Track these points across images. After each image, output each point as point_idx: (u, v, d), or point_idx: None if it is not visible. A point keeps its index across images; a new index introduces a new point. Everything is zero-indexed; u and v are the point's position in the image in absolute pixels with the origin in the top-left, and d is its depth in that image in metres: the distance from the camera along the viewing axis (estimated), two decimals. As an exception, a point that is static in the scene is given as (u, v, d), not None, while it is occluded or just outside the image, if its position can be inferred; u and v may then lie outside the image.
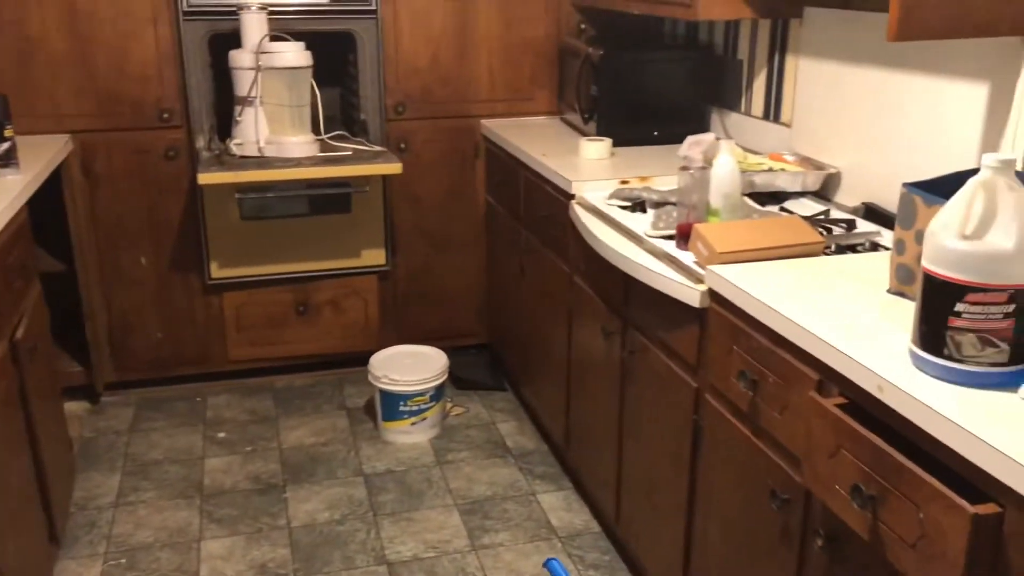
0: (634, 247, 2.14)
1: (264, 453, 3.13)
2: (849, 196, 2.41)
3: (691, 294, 1.88)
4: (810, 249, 1.89)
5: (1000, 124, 1.90)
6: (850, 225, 2.19)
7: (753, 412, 1.72)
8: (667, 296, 1.96)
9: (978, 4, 1.75)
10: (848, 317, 1.57)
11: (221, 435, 3.24)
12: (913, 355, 1.37)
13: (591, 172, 2.71)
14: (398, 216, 3.54)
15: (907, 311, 1.58)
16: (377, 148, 3.27)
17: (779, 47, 2.73)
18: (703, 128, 3.12)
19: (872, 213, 2.28)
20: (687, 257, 1.96)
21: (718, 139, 2.11)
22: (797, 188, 2.44)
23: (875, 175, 2.31)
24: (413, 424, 3.17)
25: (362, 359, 3.48)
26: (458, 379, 3.53)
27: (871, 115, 2.31)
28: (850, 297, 1.67)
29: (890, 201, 2.24)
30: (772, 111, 2.79)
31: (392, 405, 3.16)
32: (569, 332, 2.72)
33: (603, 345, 2.42)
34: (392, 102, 3.41)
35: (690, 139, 2.23)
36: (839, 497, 1.38)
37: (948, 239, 1.29)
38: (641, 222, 2.25)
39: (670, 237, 2.09)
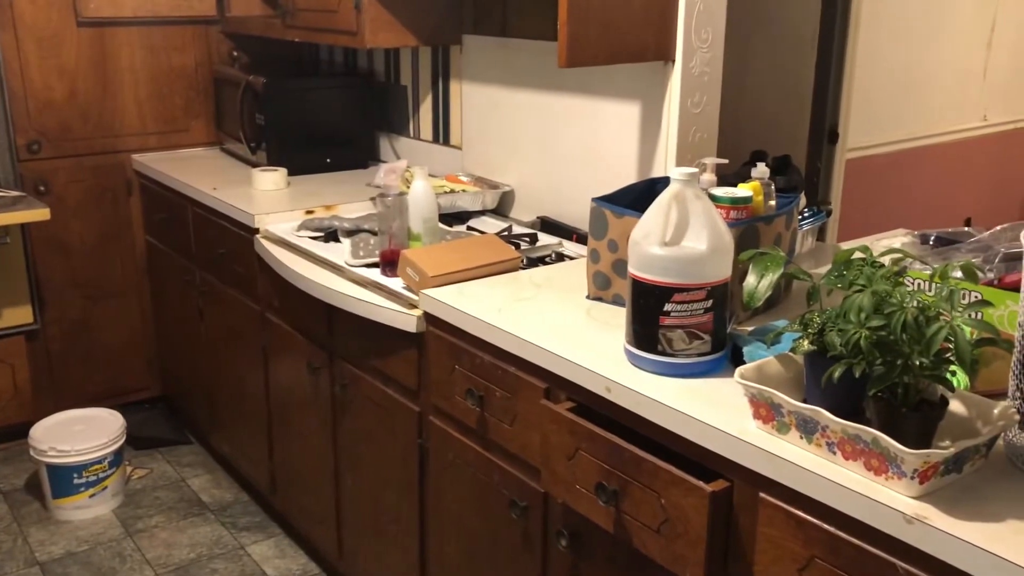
0: (336, 278, 2.11)
1: (-97, 562, 2.63)
2: (524, 211, 2.56)
3: (407, 320, 1.88)
4: (510, 265, 1.98)
5: (652, 139, 2.14)
6: (532, 239, 2.34)
7: (482, 427, 1.77)
8: (379, 324, 1.95)
9: (629, 33, 1.96)
10: (560, 325, 1.68)
11: None
12: (630, 354, 1.49)
13: (271, 204, 2.61)
14: (44, 267, 3.16)
15: (610, 314, 1.72)
16: (13, 193, 2.89)
17: (442, 73, 2.83)
18: (375, 153, 3.15)
19: (548, 225, 2.45)
20: (396, 283, 1.97)
21: (410, 167, 2.14)
22: (478, 207, 2.56)
23: (545, 190, 2.49)
24: (92, 496, 2.85)
25: (16, 433, 3.07)
26: (135, 439, 3.22)
27: (535, 135, 2.48)
28: (556, 306, 1.78)
29: (561, 213, 2.43)
30: (441, 134, 2.88)
31: (64, 479, 2.81)
32: (266, 372, 2.60)
33: (309, 381, 2.34)
34: (24, 141, 3.04)
35: (385, 167, 2.25)
36: (582, 496, 1.47)
37: (651, 247, 1.43)
38: (338, 252, 2.22)
39: (373, 265, 2.08)
